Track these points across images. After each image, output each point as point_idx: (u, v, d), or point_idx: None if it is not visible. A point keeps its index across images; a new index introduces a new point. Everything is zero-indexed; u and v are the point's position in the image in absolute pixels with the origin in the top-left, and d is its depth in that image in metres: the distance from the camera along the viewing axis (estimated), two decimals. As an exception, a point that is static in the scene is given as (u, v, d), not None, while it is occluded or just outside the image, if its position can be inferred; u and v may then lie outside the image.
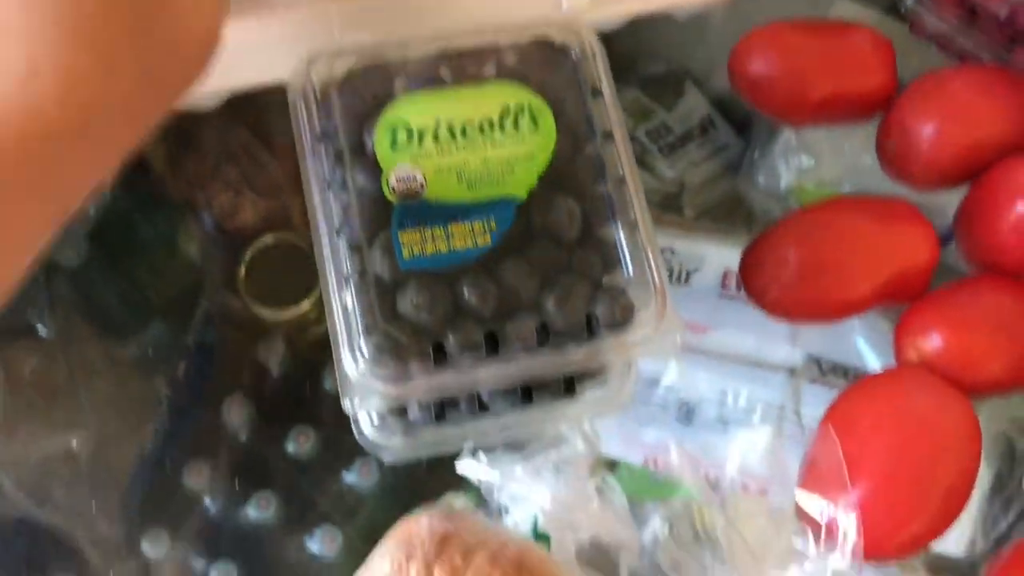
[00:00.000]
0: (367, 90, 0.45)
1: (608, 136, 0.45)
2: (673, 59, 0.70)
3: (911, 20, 0.64)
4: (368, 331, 0.42)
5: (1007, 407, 0.57)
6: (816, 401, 0.58)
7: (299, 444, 0.61)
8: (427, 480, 0.62)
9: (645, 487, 0.60)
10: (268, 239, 0.63)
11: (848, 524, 0.45)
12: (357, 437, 0.49)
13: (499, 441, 0.48)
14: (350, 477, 0.61)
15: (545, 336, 0.42)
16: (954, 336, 0.51)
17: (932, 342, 0.51)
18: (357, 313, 0.42)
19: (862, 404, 0.51)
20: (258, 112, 0.64)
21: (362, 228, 0.43)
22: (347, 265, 0.42)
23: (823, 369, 0.59)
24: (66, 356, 0.57)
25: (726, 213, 0.68)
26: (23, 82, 0.29)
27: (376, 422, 0.48)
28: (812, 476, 0.50)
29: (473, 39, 0.46)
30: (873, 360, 0.59)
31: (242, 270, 0.62)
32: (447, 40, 0.46)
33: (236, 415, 0.61)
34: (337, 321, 0.43)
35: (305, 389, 0.62)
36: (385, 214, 0.43)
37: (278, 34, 0.49)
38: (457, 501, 0.54)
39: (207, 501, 0.60)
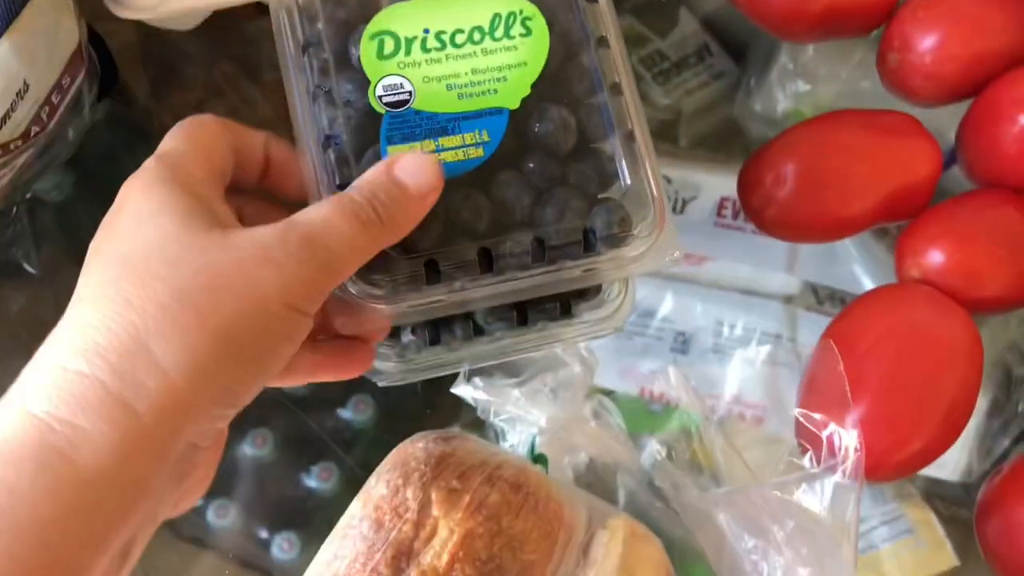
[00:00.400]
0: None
1: (603, 43, 0.44)
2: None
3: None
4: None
5: (1005, 331, 0.57)
6: (812, 329, 0.57)
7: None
8: (423, 414, 0.61)
9: (641, 419, 0.60)
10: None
11: (849, 441, 0.44)
12: None
13: (494, 363, 0.47)
14: (345, 413, 0.60)
15: (541, 252, 0.41)
16: (956, 251, 0.50)
17: (934, 258, 0.50)
18: None
19: (862, 320, 0.50)
20: (244, 46, 0.63)
21: (349, 142, 0.41)
22: (335, 181, 0.41)
23: (820, 297, 0.59)
24: (53, 292, 0.56)
25: (722, 141, 0.67)
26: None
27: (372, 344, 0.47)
28: (812, 394, 0.49)
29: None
30: (871, 287, 0.58)
31: (231, 206, 0.61)
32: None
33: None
34: None
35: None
36: (373, 127, 0.42)
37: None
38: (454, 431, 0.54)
39: (203, 439, 0.60)
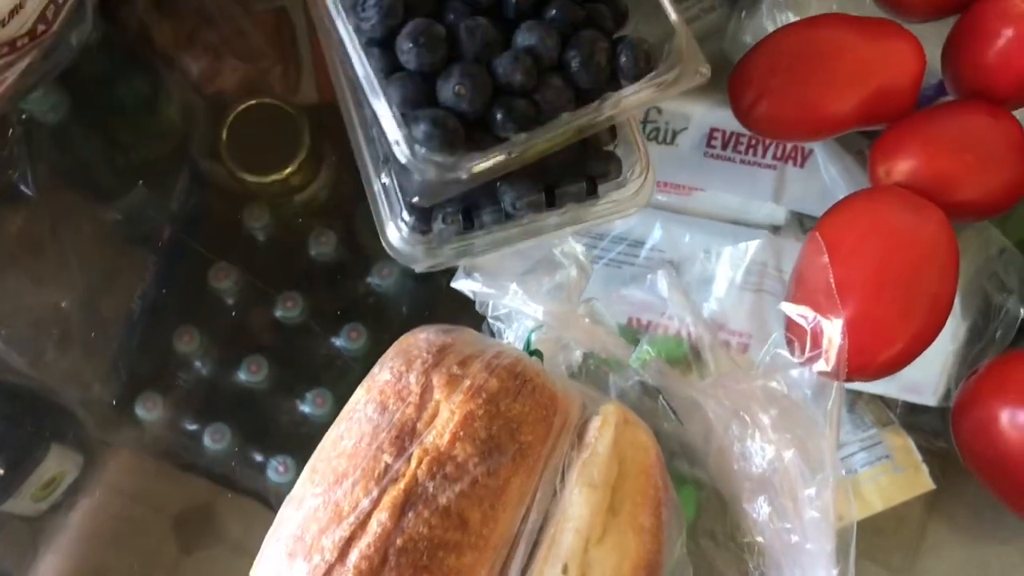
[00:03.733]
0: None
1: None
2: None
3: None
4: (416, 119, 0.43)
5: (985, 257, 0.58)
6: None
7: (287, 309, 0.61)
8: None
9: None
10: (249, 103, 0.62)
11: (833, 332, 0.46)
12: (386, 248, 0.51)
13: (521, 248, 0.49)
14: (339, 340, 0.61)
15: (575, 96, 0.43)
16: (928, 157, 0.51)
17: (906, 163, 0.51)
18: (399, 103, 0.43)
19: (843, 223, 0.51)
20: (238, -26, 0.63)
21: (384, 20, 0.43)
22: (377, 67, 0.43)
23: (805, 227, 0.59)
24: (51, 214, 0.57)
25: (713, 74, 0.67)
26: None
27: (405, 233, 0.50)
28: (800, 290, 0.51)
29: None
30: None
31: (223, 134, 0.61)
32: None
33: (223, 281, 0.61)
34: (382, 118, 0.43)
35: (291, 256, 0.63)
36: None
37: None
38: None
39: (197, 365, 0.61)
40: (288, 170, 0.62)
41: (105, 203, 0.59)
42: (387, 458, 0.42)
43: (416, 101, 0.43)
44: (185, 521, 0.59)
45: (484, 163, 0.43)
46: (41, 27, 0.50)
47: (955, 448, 0.57)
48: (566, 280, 0.47)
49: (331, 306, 0.62)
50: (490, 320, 0.49)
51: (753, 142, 0.59)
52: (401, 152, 0.42)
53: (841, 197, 0.53)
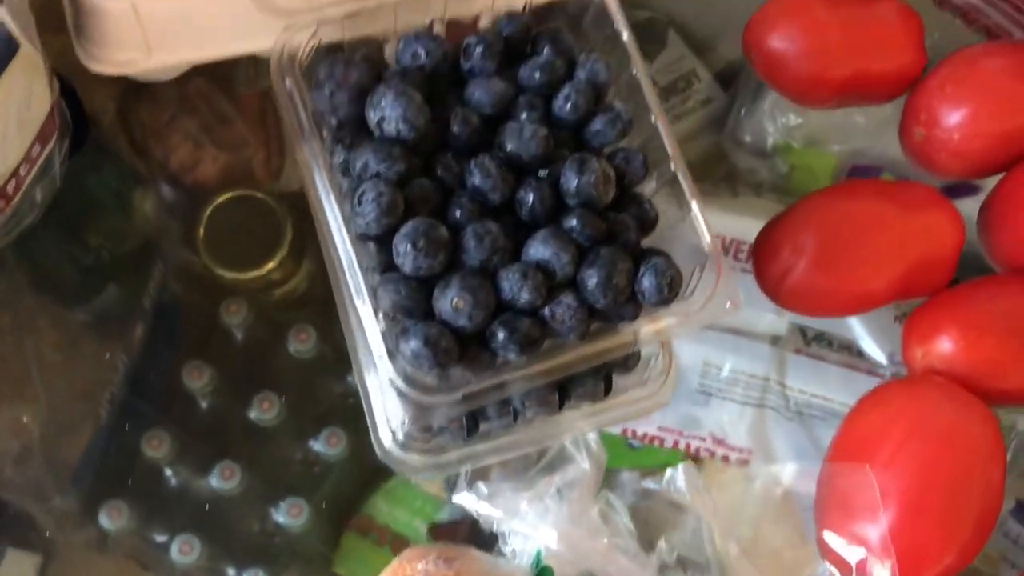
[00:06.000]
0: (359, 59, 0.42)
1: (634, 85, 0.42)
2: (656, 6, 0.66)
3: (935, -10, 0.60)
4: (407, 333, 0.39)
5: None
6: (801, 372, 0.56)
7: (263, 411, 0.58)
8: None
9: (621, 454, 0.59)
10: (229, 194, 0.59)
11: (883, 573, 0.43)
12: (378, 452, 0.46)
13: (529, 452, 0.45)
14: (317, 445, 0.58)
15: (588, 318, 0.40)
16: (969, 342, 0.48)
17: (944, 346, 0.49)
18: (384, 317, 0.39)
19: (879, 422, 0.48)
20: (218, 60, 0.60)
21: (380, 218, 0.39)
22: (370, 264, 0.39)
23: (807, 338, 0.57)
24: (14, 326, 0.53)
25: (707, 168, 0.65)
26: None
27: (399, 437, 0.45)
28: (835, 510, 0.47)
29: (467, 5, 0.43)
30: (860, 329, 0.57)
31: (200, 229, 0.59)
32: (440, 3, 0.43)
33: (197, 381, 0.58)
34: (367, 326, 0.39)
35: (270, 354, 0.60)
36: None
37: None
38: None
39: (167, 471, 0.57)
40: (269, 265, 0.59)
41: (73, 305, 0.56)
42: None
43: (408, 309, 0.39)
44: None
45: (477, 387, 0.39)
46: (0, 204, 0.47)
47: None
48: (579, 476, 0.44)
49: (309, 408, 0.59)
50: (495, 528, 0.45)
51: (755, 251, 0.58)
52: (384, 368, 0.38)
53: (850, 321, 0.51)
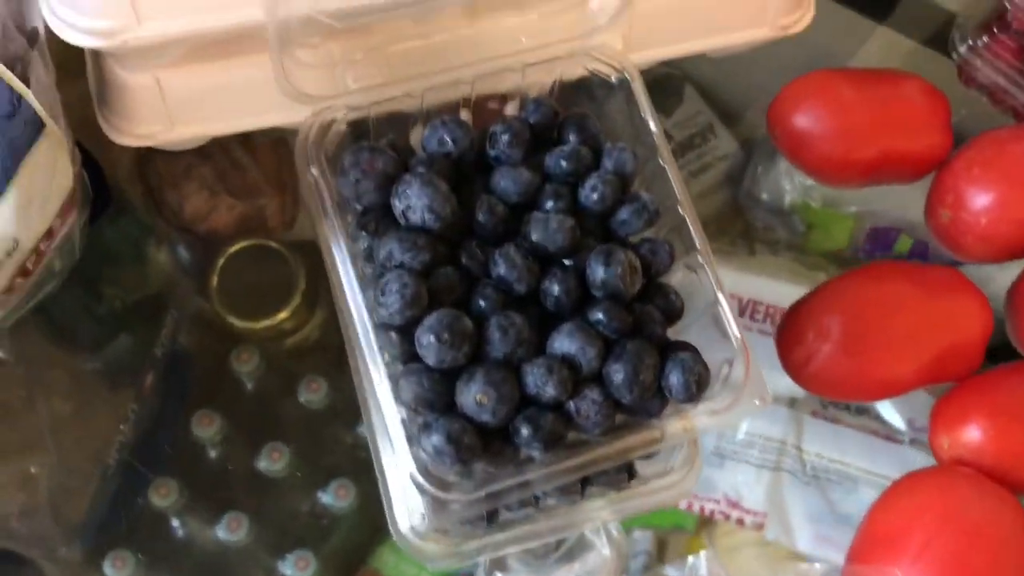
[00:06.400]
0: (385, 146, 0.43)
1: (660, 172, 0.42)
2: (674, 63, 0.67)
3: (961, 69, 0.59)
4: (429, 428, 0.38)
5: None
6: (818, 436, 0.56)
7: (272, 461, 0.58)
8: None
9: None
10: (243, 243, 0.59)
11: None
12: (394, 537, 0.44)
13: (548, 540, 0.44)
14: (325, 497, 0.58)
15: (614, 413, 0.39)
16: (998, 432, 0.48)
17: (972, 436, 0.48)
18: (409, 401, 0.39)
19: (906, 514, 0.47)
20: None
21: (404, 310, 0.39)
22: (392, 353, 0.39)
23: (825, 401, 0.57)
24: (26, 377, 0.53)
25: (722, 225, 0.65)
26: None
27: (417, 525, 0.43)
28: None
29: (495, 81, 0.43)
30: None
31: (214, 278, 0.58)
32: (468, 83, 0.43)
33: (206, 430, 0.58)
34: (386, 415, 0.39)
35: (280, 403, 0.59)
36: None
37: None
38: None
39: (174, 521, 0.57)
40: (281, 315, 0.59)
41: (85, 355, 0.55)
42: None
43: (430, 402, 0.39)
44: None
45: (500, 487, 0.38)
46: (19, 280, 0.46)
47: None
48: (600, 564, 0.43)
49: (318, 458, 0.59)
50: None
51: (771, 311, 0.57)
52: (405, 463, 0.38)
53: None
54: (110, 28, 0.43)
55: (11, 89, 0.41)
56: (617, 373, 0.39)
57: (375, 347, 0.39)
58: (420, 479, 0.37)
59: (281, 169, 0.62)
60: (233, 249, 0.59)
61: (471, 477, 0.38)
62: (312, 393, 0.59)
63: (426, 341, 0.38)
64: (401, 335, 0.39)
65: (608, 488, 0.42)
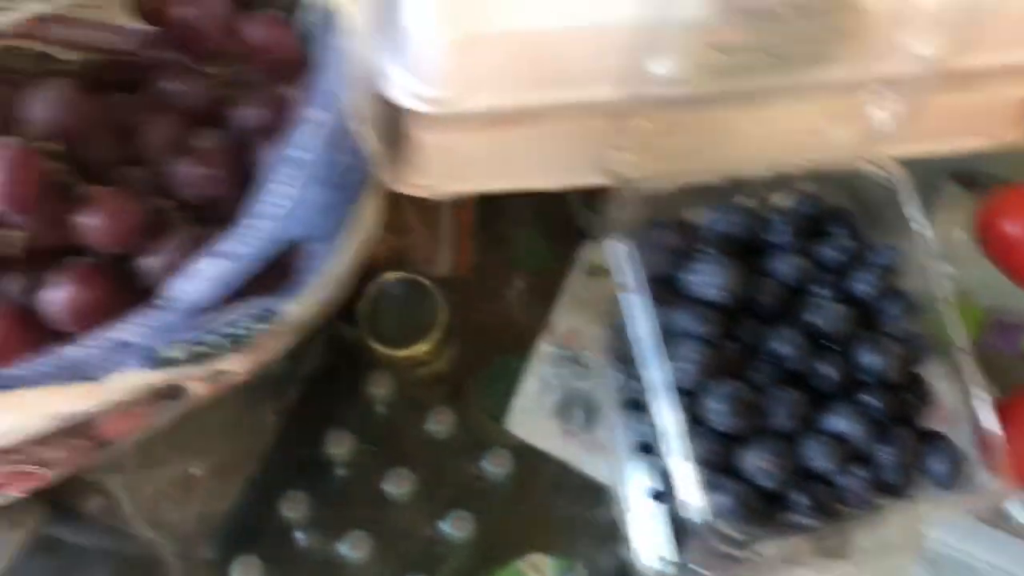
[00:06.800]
0: (678, 226, 0.47)
1: (923, 269, 0.45)
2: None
3: None
4: (718, 488, 0.42)
5: None
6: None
7: (397, 485, 0.60)
8: (516, 535, 0.61)
9: None
10: (394, 275, 0.62)
11: None
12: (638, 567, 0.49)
13: None
14: (444, 526, 0.60)
15: (876, 491, 0.42)
16: None
17: None
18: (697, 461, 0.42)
19: None
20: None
21: (696, 375, 0.43)
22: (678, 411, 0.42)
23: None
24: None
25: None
26: None
27: (666, 565, 0.48)
28: None
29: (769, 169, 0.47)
30: None
31: (365, 305, 0.61)
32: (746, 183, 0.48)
33: (338, 448, 0.60)
34: (675, 471, 0.42)
35: (408, 430, 0.62)
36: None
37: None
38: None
39: (299, 533, 0.59)
40: (422, 346, 0.61)
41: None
42: None
43: (715, 465, 0.42)
44: None
45: (780, 550, 0.41)
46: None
47: None
48: None
49: (440, 487, 0.61)
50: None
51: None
52: (692, 514, 0.41)
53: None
54: (444, 98, 0.45)
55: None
56: (888, 455, 0.42)
57: (677, 407, 0.42)
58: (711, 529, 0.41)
59: (428, 209, 0.65)
60: (384, 279, 0.62)
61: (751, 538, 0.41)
62: (439, 423, 0.62)
63: (716, 407, 0.42)
64: (685, 397, 0.43)
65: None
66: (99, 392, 0.40)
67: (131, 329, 0.40)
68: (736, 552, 0.40)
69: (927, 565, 0.56)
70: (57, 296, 0.40)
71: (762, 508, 0.41)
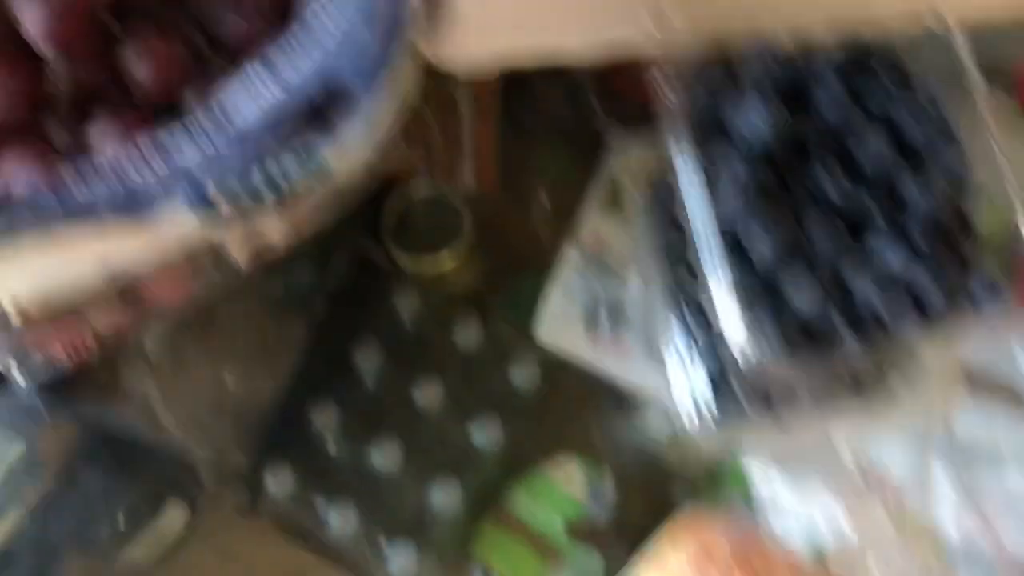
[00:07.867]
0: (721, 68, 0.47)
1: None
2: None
3: None
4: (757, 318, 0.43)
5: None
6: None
7: (425, 395, 0.61)
8: (544, 441, 0.62)
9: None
10: (416, 188, 0.63)
11: None
12: (683, 420, 0.50)
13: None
14: (473, 433, 0.61)
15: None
16: None
17: None
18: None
19: None
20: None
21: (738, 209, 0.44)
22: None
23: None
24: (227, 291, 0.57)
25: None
26: None
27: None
28: None
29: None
30: None
31: (390, 218, 0.62)
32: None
33: (367, 361, 0.61)
34: (717, 303, 0.43)
35: (436, 341, 0.62)
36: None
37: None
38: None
39: (330, 442, 0.60)
40: (448, 256, 0.62)
41: (270, 275, 0.59)
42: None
43: (757, 297, 0.43)
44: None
45: (819, 380, 0.43)
46: None
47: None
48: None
49: (468, 396, 0.62)
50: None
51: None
52: (734, 349, 0.42)
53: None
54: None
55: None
56: (923, 277, 0.43)
57: (714, 237, 0.43)
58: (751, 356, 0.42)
59: (451, 124, 0.65)
60: (408, 192, 0.62)
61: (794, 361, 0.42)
62: (467, 335, 0.62)
63: (760, 235, 0.43)
64: (728, 232, 0.44)
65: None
66: (147, 239, 0.40)
67: (183, 154, 0.40)
68: (777, 390, 0.41)
69: (952, 454, 0.56)
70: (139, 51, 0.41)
71: (803, 340, 0.42)
